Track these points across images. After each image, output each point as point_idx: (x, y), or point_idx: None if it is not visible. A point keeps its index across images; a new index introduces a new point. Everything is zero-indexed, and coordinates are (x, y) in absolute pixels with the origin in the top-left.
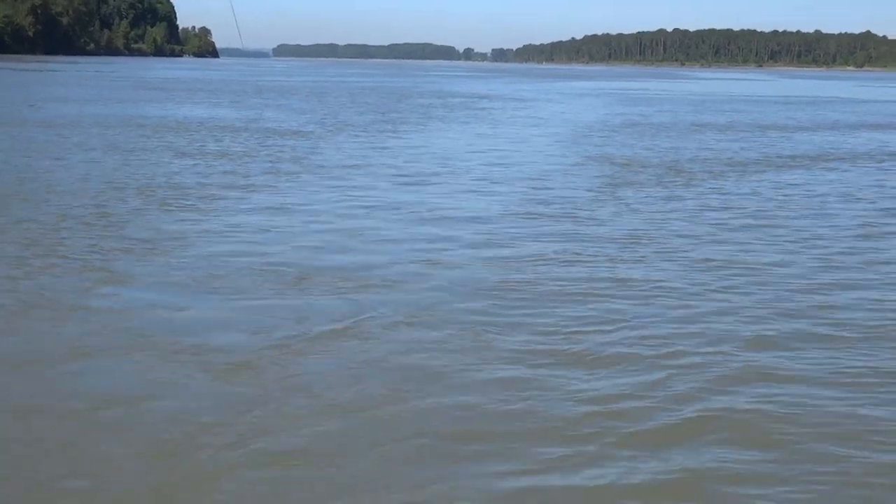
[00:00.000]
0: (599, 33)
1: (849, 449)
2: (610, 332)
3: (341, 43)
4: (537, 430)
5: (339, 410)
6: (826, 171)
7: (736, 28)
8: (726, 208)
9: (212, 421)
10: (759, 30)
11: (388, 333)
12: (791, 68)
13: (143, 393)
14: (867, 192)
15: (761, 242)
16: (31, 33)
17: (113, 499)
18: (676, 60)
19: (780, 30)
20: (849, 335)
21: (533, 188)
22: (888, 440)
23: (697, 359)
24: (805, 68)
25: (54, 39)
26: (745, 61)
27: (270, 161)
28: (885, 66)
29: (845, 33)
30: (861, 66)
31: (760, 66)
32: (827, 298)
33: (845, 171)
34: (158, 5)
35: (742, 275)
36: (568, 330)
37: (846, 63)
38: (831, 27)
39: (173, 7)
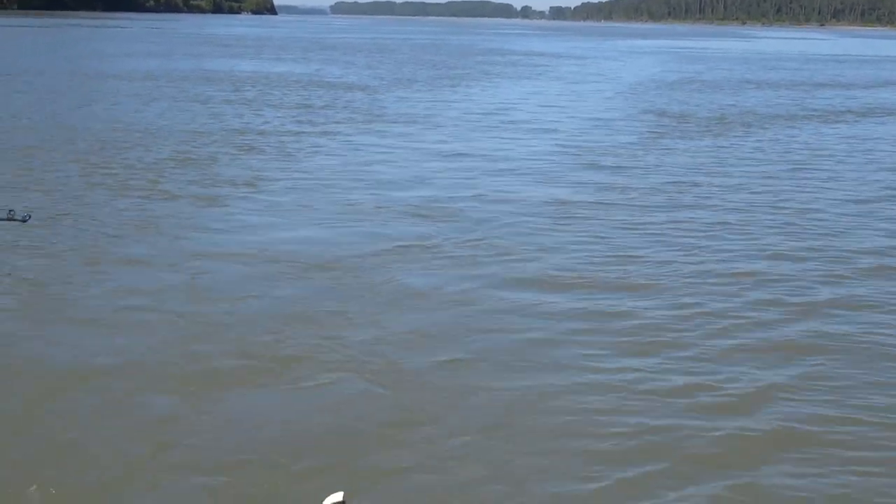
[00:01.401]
0: None
1: None
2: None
3: (398, 0)
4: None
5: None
6: (876, 124)
7: None
8: (785, 158)
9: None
10: None
11: (457, 250)
12: (854, 27)
13: (243, 293)
14: None
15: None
16: None
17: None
18: (737, 19)
19: None
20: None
21: (580, 136)
22: None
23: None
24: (870, 27)
25: None
26: (808, 20)
27: (348, 112)
28: None
29: None
30: None
31: (823, 24)
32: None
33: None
34: None
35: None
36: (621, 254)
37: None
38: None
39: None
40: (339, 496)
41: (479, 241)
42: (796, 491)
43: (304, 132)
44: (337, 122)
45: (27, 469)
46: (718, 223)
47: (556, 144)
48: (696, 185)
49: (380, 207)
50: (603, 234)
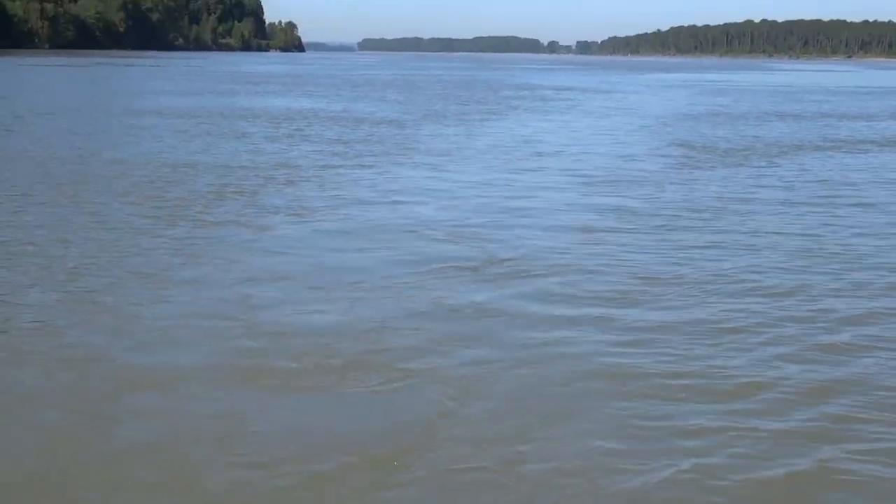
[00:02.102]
0: (685, 24)
1: None
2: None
3: (425, 37)
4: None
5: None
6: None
7: (825, 18)
8: (804, 185)
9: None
10: (848, 20)
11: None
12: (882, 59)
13: (292, 309)
14: None
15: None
16: (121, 29)
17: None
18: (764, 52)
19: (871, 19)
20: None
21: (608, 167)
22: None
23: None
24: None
25: (144, 35)
26: (835, 52)
27: (383, 145)
28: None
29: None
30: None
31: (850, 56)
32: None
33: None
34: (246, 1)
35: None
36: (653, 262)
37: None
38: None
39: (260, 2)
40: None
41: (510, 261)
42: None
43: (341, 165)
44: (373, 155)
45: (116, 460)
46: (746, 245)
47: (583, 174)
48: (717, 210)
49: (414, 231)
50: (625, 256)
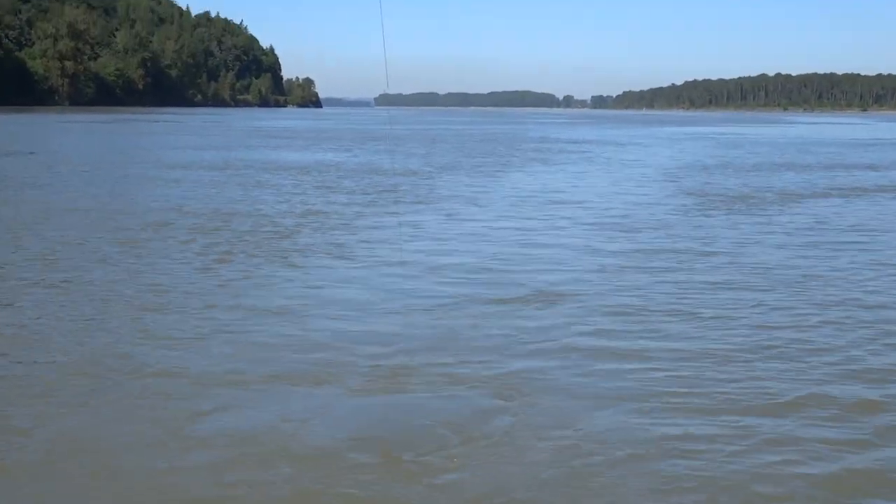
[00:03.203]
0: (700, 79)
1: None
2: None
3: (441, 91)
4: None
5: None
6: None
7: (839, 72)
8: (805, 230)
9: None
10: (862, 73)
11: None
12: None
13: (342, 327)
14: None
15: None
16: (141, 86)
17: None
18: (778, 105)
19: (885, 73)
20: None
21: (620, 213)
22: None
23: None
24: None
25: (163, 91)
26: (850, 105)
27: (411, 194)
28: None
29: None
30: None
31: (865, 110)
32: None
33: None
34: (263, 57)
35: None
36: (654, 308)
37: None
38: None
39: (278, 59)
40: None
41: (531, 297)
42: None
43: (366, 212)
44: (395, 203)
45: (194, 449)
46: (748, 284)
47: (596, 220)
48: (729, 255)
49: (436, 268)
50: (637, 291)
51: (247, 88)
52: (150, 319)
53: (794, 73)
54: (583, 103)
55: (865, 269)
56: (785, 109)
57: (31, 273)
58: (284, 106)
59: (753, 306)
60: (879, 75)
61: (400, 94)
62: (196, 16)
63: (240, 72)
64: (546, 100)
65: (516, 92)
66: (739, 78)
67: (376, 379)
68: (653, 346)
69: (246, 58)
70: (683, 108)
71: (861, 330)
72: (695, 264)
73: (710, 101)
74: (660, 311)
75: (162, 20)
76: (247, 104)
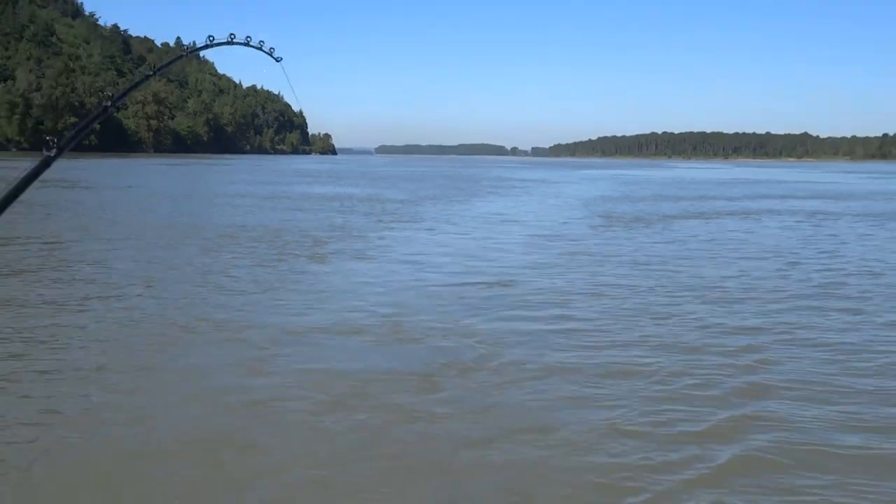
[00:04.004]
0: (608, 135)
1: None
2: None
3: (423, 143)
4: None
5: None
6: (745, 219)
7: (708, 130)
8: (675, 240)
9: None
10: (724, 132)
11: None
12: (748, 160)
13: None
14: (777, 232)
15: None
16: (205, 138)
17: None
18: (665, 154)
19: (741, 131)
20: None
21: (552, 230)
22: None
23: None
24: (758, 160)
25: (221, 142)
26: (715, 154)
27: (401, 216)
28: (818, 158)
29: (789, 133)
30: (800, 157)
31: (726, 158)
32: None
33: (759, 221)
34: (294, 118)
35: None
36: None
37: (789, 156)
38: (779, 129)
39: (305, 119)
40: None
41: (492, 282)
42: None
43: (372, 227)
44: (392, 222)
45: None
46: (640, 272)
47: (534, 233)
48: (624, 255)
49: (424, 263)
50: (561, 278)
51: (283, 140)
52: (229, 296)
53: (675, 132)
54: (525, 152)
55: (707, 261)
56: (669, 157)
57: (144, 269)
58: (309, 154)
59: (639, 287)
60: (736, 133)
61: (393, 145)
62: (246, 87)
63: (277, 128)
64: (498, 150)
65: (477, 143)
66: (637, 135)
67: (389, 331)
68: (570, 313)
69: (282, 118)
70: (597, 156)
71: (698, 295)
72: (601, 262)
73: (616, 151)
74: (577, 291)
75: (221, 91)
76: (282, 152)
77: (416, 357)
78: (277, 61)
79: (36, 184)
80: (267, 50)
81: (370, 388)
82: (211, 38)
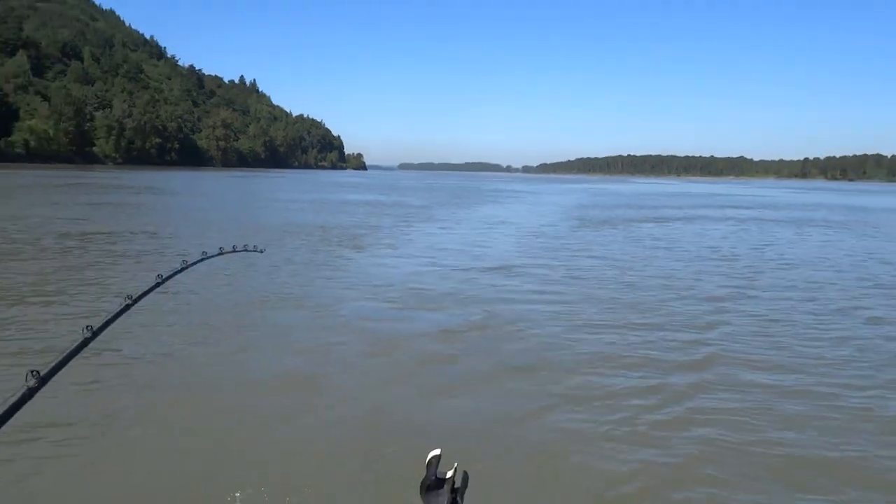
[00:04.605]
0: (584, 156)
1: None
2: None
3: (436, 161)
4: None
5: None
6: (691, 223)
7: (664, 154)
8: (634, 238)
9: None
10: (677, 154)
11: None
12: (696, 177)
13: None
14: (714, 233)
15: (657, 253)
16: (263, 156)
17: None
18: (629, 172)
19: (691, 154)
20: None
21: (538, 229)
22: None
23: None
24: (705, 177)
25: (276, 160)
26: (670, 173)
27: (417, 217)
28: (752, 177)
29: (729, 157)
30: (738, 176)
31: (679, 176)
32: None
33: (706, 223)
34: (333, 140)
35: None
36: (552, 294)
37: (729, 174)
38: (721, 153)
39: (342, 141)
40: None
41: (494, 267)
42: None
43: (398, 225)
44: (414, 221)
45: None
46: (609, 264)
47: (524, 231)
48: (594, 248)
49: (439, 252)
50: (546, 266)
51: (324, 158)
52: (288, 278)
53: (637, 154)
54: (517, 169)
55: (660, 255)
56: (632, 175)
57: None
58: (345, 169)
59: (606, 275)
60: (687, 156)
61: (411, 163)
62: (295, 116)
63: (320, 149)
64: (495, 167)
65: (479, 162)
66: (606, 156)
67: (414, 299)
68: (552, 289)
69: (324, 141)
70: (575, 173)
71: (651, 275)
72: (577, 254)
73: (590, 170)
74: (558, 276)
75: (275, 118)
76: (323, 167)
77: (434, 319)
78: (261, 253)
79: (129, 189)
80: (251, 248)
81: (401, 340)
82: (205, 253)
